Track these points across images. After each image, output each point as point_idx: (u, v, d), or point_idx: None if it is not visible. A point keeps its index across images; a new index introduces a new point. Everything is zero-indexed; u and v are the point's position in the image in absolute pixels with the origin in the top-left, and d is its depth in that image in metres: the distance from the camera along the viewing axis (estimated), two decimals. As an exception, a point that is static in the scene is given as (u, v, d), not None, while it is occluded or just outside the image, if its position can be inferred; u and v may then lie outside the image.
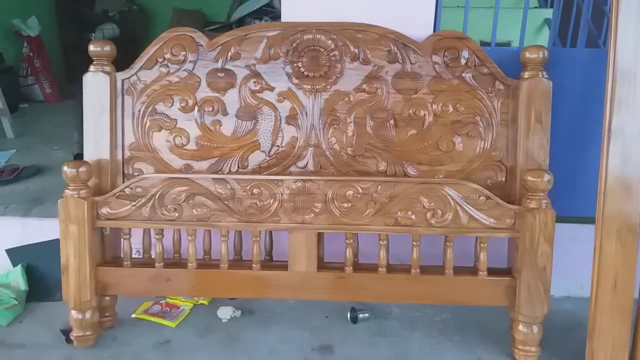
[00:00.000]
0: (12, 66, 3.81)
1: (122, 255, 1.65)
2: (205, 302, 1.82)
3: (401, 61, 1.60)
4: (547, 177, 1.45)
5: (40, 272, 1.89)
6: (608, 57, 1.43)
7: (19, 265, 1.88)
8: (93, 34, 4.81)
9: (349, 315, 1.74)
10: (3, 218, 1.94)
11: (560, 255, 1.67)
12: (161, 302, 1.82)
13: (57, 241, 1.88)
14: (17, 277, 1.86)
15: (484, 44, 2.01)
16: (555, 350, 1.59)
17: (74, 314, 1.57)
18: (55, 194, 2.07)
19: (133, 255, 1.64)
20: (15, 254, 1.91)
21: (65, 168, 1.52)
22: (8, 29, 3.83)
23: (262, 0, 3.99)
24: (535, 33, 2.52)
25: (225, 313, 1.75)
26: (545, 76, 1.55)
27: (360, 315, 1.74)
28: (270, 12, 4.05)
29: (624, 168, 1.43)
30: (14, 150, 2.70)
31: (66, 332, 1.62)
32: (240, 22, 4.17)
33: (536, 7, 2.65)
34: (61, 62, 4.69)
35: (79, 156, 2.51)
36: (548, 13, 2.55)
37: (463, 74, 1.58)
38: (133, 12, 5.18)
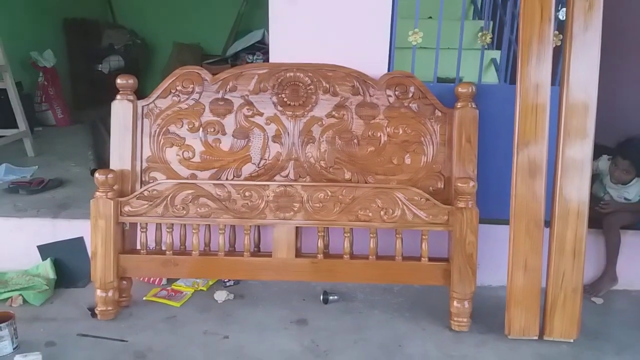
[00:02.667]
0: (29, 94, 4.22)
1: (137, 247, 2.04)
2: (204, 289, 2.21)
3: (362, 94, 2.05)
4: (472, 183, 1.88)
5: (66, 264, 2.27)
6: (516, 91, 1.88)
7: (48, 259, 2.26)
8: (100, 65, 5.27)
9: (321, 297, 2.13)
10: (36, 219, 2.32)
11: (495, 251, 2.10)
12: (167, 288, 2.21)
13: (80, 239, 2.29)
14: (46, 268, 2.23)
15: (440, 79, 2.47)
16: (485, 322, 1.99)
17: (99, 292, 1.95)
18: (78, 201, 2.51)
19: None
20: (44, 250, 2.29)
21: (97, 175, 1.92)
22: (26, 61, 4.26)
23: (255, 38, 4.47)
24: (484, 70, 2.98)
25: (220, 296, 2.14)
26: (473, 106, 2.00)
27: (331, 298, 2.13)
28: (262, 48, 4.52)
29: (529, 176, 1.87)
30: (37, 166, 3.08)
31: (91, 309, 2.00)
32: (235, 56, 4.65)
33: (485, 49, 3.13)
34: (69, 90, 5.12)
35: (94, 171, 2.92)
36: (494, 54, 3.05)
37: (410, 104, 2.03)
38: (137, 45, 5.66)
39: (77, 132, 4.14)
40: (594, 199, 2.40)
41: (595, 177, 2.47)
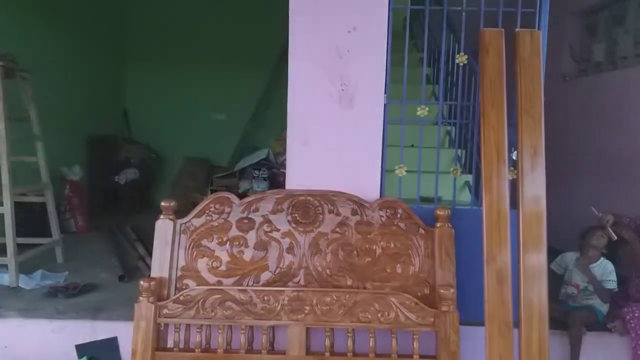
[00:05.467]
0: (57, 204, 4.65)
1: (168, 344, 2.37)
2: (223, 384, 2.49)
3: (360, 214, 2.52)
4: (452, 290, 2.29)
5: (99, 362, 2.56)
6: (482, 214, 2.37)
7: (84, 357, 2.55)
8: (117, 176, 5.80)
9: (327, 392, 2.42)
10: (76, 321, 2.64)
11: (476, 350, 2.42)
12: (190, 384, 2.48)
13: (114, 339, 2.60)
14: (82, 366, 2.52)
15: (423, 198, 2.96)
16: (470, 414, 2.29)
17: (135, 386, 2.24)
18: (111, 304, 2.84)
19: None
20: (81, 349, 2.58)
21: (142, 282, 2.30)
22: (55, 175, 4.76)
23: (260, 156, 5.08)
24: (459, 192, 3.53)
25: (238, 391, 2.42)
26: (449, 226, 2.47)
27: (335, 392, 2.42)
28: (266, 164, 5.12)
29: (497, 284, 2.29)
30: (67, 272, 3.43)
31: (126, 402, 2.27)
32: (242, 170, 5.22)
33: (459, 176, 3.70)
34: (87, 199, 5.57)
35: (122, 277, 3.29)
36: (467, 177, 3.61)
37: (399, 223, 2.50)
38: (151, 159, 6.27)
39: (96, 239, 4.52)
40: (563, 304, 2.82)
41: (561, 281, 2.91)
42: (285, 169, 2.73)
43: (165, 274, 2.42)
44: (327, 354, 2.32)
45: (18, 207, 3.46)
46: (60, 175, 4.81)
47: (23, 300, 2.89)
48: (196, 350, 2.32)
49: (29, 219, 3.96)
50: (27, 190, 3.63)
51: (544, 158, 2.39)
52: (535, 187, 2.36)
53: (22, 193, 3.56)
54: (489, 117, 2.41)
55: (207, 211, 2.52)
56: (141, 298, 2.30)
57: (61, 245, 3.76)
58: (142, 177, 5.91)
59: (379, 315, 2.30)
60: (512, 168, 2.55)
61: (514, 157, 2.57)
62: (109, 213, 5.41)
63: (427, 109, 2.71)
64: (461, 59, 2.75)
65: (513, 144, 2.58)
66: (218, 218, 2.52)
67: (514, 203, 2.42)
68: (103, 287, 3.16)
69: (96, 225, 4.98)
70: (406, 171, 2.77)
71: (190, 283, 2.44)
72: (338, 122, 2.63)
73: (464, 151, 3.67)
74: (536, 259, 2.30)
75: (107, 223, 4.93)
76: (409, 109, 2.81)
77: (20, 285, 3.11)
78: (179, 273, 2.46)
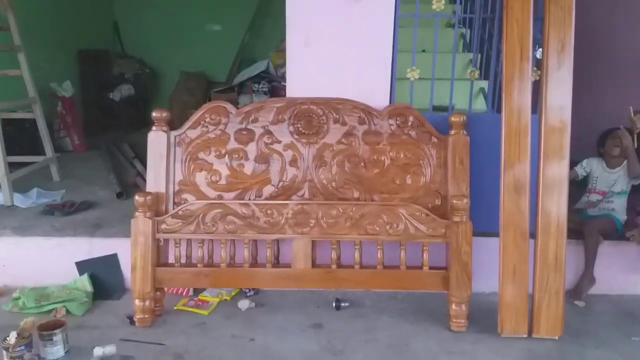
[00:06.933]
0: (49, 122, 4.46)
1: (170, 260, 2.29)
2: (228, 298, 2.45)
3: (368, 123, 2.33)
4: (465, 200, 2.16)
5: (101, 278, 2.50)
6: (501, 119, 2.17)
7: (85, 274, 2.49)
8: (112, 93, 5.55)
9: (334, 304, 2.38)
10: (74, 238, 2.56)
11: (487, 261, 2.35)
12: (194, 298, 2.45)
13: (114, 255, 2.53)
14: (84, 283, 2.47)
15: (435, 107, 2.75)
16: (480, 324, 2.24)
17: (137, 302, 2.19)
18: (109, 221, 2.75)
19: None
20: (82, 266, 2.52)
21: (137, 197, 2.18)
22: (45, 91, 4.53)
23: (260, 68, 4.79)
24: (473, 99, 3.29)
25: (243, 304, 2.38)
26: (465, 133, 2.29)
27: (342, 304, 2.38)
28: (266, 77, 4.85)
29: (515, 193, 2.15)
30: (64, 190, 3.32)
31: (130, 317, 2.23)
32: (241, 84, 4.96)
33: (476, 79, 3.45)
34: (82, 117, 5.38)
35: (120, 194, 3.18)
36: (483, 84, 3.36)
37: (409, 132, 2.32)
38: (145, 74, 5.97)
39: (93, 158, 4.39)
40: (580, 213, 2.71)
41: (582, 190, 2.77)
42: (286, 81, 2.50)
43: (162, 189, 2.29)
44: (333, 266, 2.24)
45: (7, 124, 3.28)
46: (51, 91, 4.58)
47: (18, 218, 2.80)
48: (198, 265, 2.24)
49: (21, 137, 3.81)
50: (13, 105, 3.43)
51: (572, 55, 2.15)
52: (560, 88, 2.14)
53: (9, 110, 3.37)
54: (513, 8, 2.14)
55: (202, 122, 2.33)
56: (137, 213, 2.19)
57: (56, 163, 3.63)
58: (137, 94, 5.66)
59: (387, 227, 2.19)
60: (535, 68, 2.32)
61: (538, 56, 2.33)
62: (106, 131, 5.23)
63: (442, 1, 2.42)
64: (483, -57, 2.41)
65: (537, 42, 2.33)
66: (215, 129, 2.34)
67: (536, 108, 2.22)
68: (100, 204, 3.06)
69: (93, 144, 4.82)
70: (419, 77, 2.54)
71: (190, 198, 2.32)
72: (344, 18, 2.36)
73: (479, 55, 3.38)
74: (557, 169, 2.15)
75: (104, 141, 4.78)
76: (423, 9, 2.52)
77: (15, 204, 3.02)
78: (177, 188, 2.32)
